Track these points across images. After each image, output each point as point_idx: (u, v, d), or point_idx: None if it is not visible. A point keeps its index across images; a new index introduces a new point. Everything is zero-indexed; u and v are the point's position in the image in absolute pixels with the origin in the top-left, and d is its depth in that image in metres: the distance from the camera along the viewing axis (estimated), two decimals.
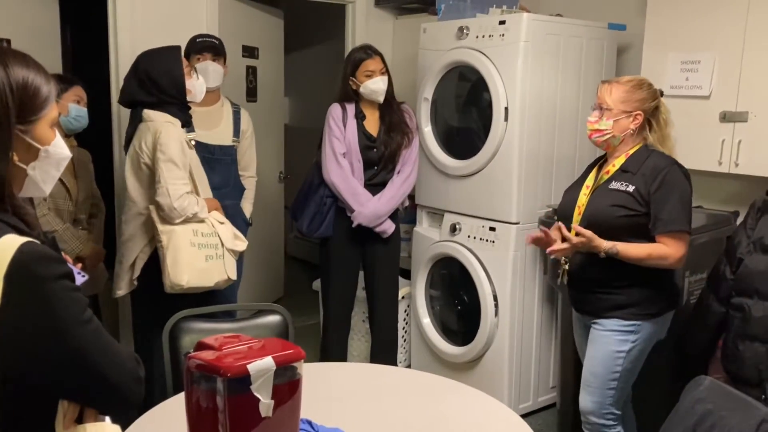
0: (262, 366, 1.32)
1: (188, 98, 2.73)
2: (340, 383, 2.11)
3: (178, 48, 2.77)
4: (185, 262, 2.62)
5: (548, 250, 2.41)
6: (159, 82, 2.67)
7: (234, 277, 2.77)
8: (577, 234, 2.32)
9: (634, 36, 3.39)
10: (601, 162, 2.52)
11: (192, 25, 3.64)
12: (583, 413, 2.46)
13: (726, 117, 2.89)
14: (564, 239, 2.36)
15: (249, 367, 1.31)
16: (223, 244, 2.71)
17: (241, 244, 2.82)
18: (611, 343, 2.37)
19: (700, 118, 2.95)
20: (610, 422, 2.43)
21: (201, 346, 1.43)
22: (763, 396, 2.30)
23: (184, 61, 2.76)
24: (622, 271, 2.32)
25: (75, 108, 2.86)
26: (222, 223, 2.78)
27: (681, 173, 2.33)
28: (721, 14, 2.87)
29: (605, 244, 2.28)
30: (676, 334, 2.67)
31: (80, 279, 1.87)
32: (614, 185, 2.36)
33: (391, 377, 2.23)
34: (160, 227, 2.63)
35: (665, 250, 2.27)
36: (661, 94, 2.42)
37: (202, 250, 2.65)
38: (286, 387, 1.38)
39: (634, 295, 2.36)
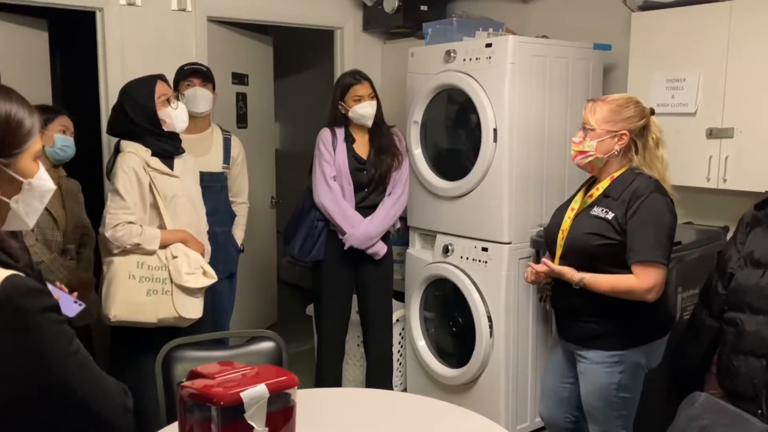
0: (256, 393, 1.32)
1: (165, 128, 2.72)
2: (335, 409, 2.10)
3: (153, 78, 2.76)
4: (118, 295, 2.57)
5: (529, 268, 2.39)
6: (129, 112, 2.70)
7: (189, 315, 2.65)
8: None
9: (619, 55, 3.43)
10: (589, 183, 2.46)
11: (181, 53, 3.67)
12: None
13: (712, 133, 2.91)
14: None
15: (242, 395, 1.30)
16: (172, 280, 2.62)
17: (202, 279, 2.67)
18: (600, 376, 2.32)
19: (687, 135, 2.98)
20: None
21: (194, 375, 1.43)
22: (760, 411, 2.30)
23: (162, 90, 2.73)
24: (599, 299, 2.25)
25: (61, 138, 2.86)
26: (176, 257, 2.65)
27: (662, 200, 2.23)
28: (703, 33, 2.92)
29: (575, 277, 2.25)
30: (670, 351, 2.68)
31: (77, 308, 1.86)
32: (595, 211, 2.29)
33: (387, 402, 2.22)
34: (104, 257, 2.65)
35: (632, 282, 2.18)
36: (652, 112, 2.35)
37: (143, 283, 2.59)
38: (280, 414, 1.38)
39: (614, 324, 2.29)
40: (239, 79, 4.38)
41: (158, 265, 2.62)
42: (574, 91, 3.33)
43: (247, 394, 1.30)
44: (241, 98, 4.46)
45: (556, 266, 2.30)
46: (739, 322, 2.37)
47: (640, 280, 2.18)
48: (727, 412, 1.74)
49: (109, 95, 3.54)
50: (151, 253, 2.62)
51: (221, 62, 3.78)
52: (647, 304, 2.25)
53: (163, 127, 2.72)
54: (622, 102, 2.30)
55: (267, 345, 2.35)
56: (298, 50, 5.61)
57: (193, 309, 2.65)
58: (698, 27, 2.93)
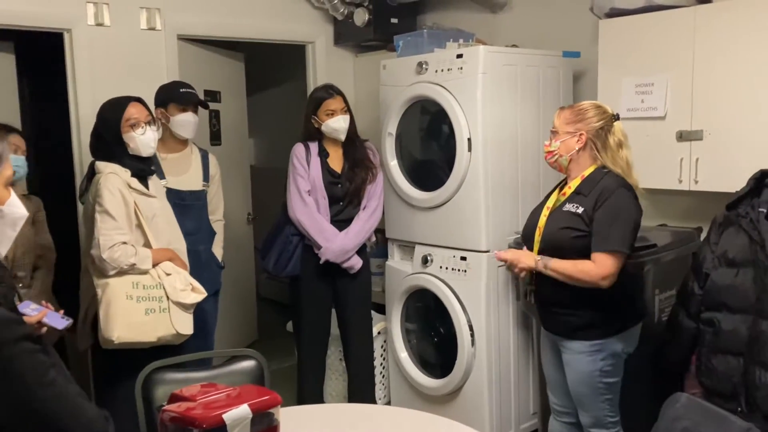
0: (238, 415, 1.30)
1: (129, 151, 2.69)
2: (319, 427, 2.08)
3: (125, 100, 2.74)
4: (118, 316, 2.54)
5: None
6: (102, 133, 2.70)
7: (185, 331, 2.65)
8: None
9: (588, 62, 3.47)
10: (562, 183, 2.62)
11: (153, 72, 3.65)
12: (586, 427, 2.56)
13: (682, 136, 2.96)
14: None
15: (225, 416, 1.29)
16: (168, 297, 2.61)
17: (193, 295, 2.68)
18: (584, 364, 2.46)
19: (658, 138, 3.02)
20: (612, 429, 2.53)
21: (174, 398, 1.41)
22: (739, 408, 2.33)
23: (132, 114, 2.69)
24: (580, 292, 2.39)
25: (12, 158, 2.82)
26: (169, 274, 2.65)
27: (627, 196, 2.39)
28: (669, 38, 2.96)
29: (539, 264, 2.41)
30: (651, 352, 2.70)
31: (65, 322, 1.83)
32: (567, 207, 2.47)
33: (371, 416, 2.21)
34: (96, 280, 2.60)
35: (589, 267, 2.34)
36: (617, 118, 2.50)
37: (141, 303, 2.57)
38: None
39: (593, 316, 2.43)
40: (212, 96, 4.36)
41: (152, 284, 2.60)
42: (546, 99, 3.36)
43: (230, 415, 1.29)
44: (215, 115, 4.44)
45: (524, 259, 2.46)
46: (716, 322, 2.40)
47: (598, 266, 2.33)
48: (709, 413, 1.75)
49: (79, 117, 3.50)
50: (145, 272, 2.60)
51: (193, 80, 3.74)
52: (620, 295, 2.42)
53: (128, 151, 2.69)
54: (584, 107, 2.51)
55: (248, 364, 2.33)
56: (270, 66, 5.61)
57: (188, 325, 2.67)
58: (664, 33, 2.98)
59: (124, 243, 2.57)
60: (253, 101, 5.26)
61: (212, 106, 4.38)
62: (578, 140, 2.46)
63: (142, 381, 2.20)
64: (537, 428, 3.39)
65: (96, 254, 2.56)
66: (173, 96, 3.18)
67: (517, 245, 3.08)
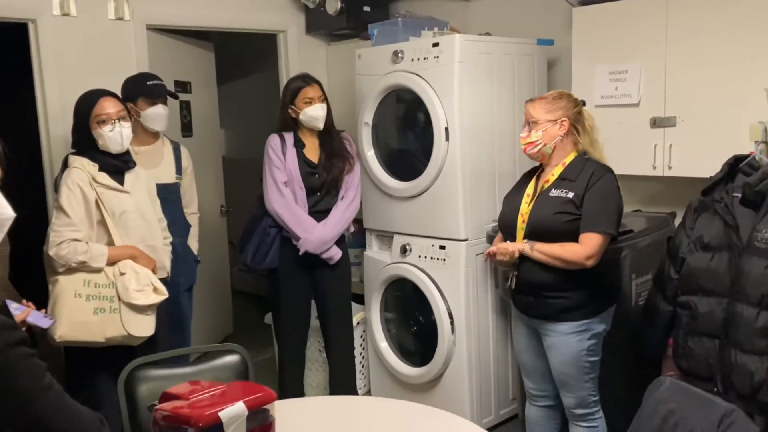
0: (234, 412, 1.29)
1: (99, 147, 2.64)
2: (302, 420, 2.07)
3: (97, 95, 2.68)
4: (63, 315, 2.49)
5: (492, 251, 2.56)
6: (73, 128, 2.66)
7: (140, 333, 2.58)
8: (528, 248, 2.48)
9: (562, 50, 3.49)
10: (538, 172, 2.65)
11: (122, 63, 3.57)
12: (569, 408, 2.61)
13: (656, 123, 3.00)
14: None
15: (220, 414, 1.27)
16: (120, 297, 2.55)
17: (152, 296, 2.60)
18: (571, 345, 2.51)
19: (632, 125, 3.06)
20: (594, 408, 2.60)
21: (166, 397, 1.39)
22: (715, 389, 2.38)
23: (103, 109, 2.63)
24: (568, 275, 2.46)
25: None
26: (124, 273, 2.57)
27: (614, 180, 2.50)
28: (642, 26, 3.00)
29: (526, 246, 2.46)
30: (628, 336, 2.75)
31: (48, 321, 1.79)
32: (554, 192, 2.51)
33: (355, 408, 2.21)
34: (49, 276, 2.56)
35: (575, 248, 2.42)
36: (583, 104, 2.59)
37: (90, 302, 2.52)
38: (259, 431, 1.35)
39: (580, 297, 2.50)
40: (182, 86, 4.29)
41: (105, 282, 2.54)
42: (521, 87, 3.38)
43: (226, 413, 1.27)
44: (185, 106, 4.37)
45: (512, 245, 2.51)
46: (693, 305, 2.44)
47: (584, 246, 2.41)
48: (693, 395, 1.79)
49: (47, 110, 3.42)
50: (98, 270, 2.54)
51: (163, 70, 3.68)
52: (602, 276, 2.52)
53: (98, 146, 2.64)
54: (556, 95, 2.58)
55: (232, 358, 2.31)
56: (241, 55, 5.54)
57: (143, 327, 2.58)
58: (637, 20, 3.01)
59: (76, 240, 2.52)
60: (224, 92, 5.18)
61: (183, 97, 4.31)
62: (561, 127, 2.51)
63: (125, 378, 2.16)
64: (517, 413, 3.43)
65: (45, 250, 2.53)
66: (142, 90, 3.11)
67: (494, 233, 3.10)
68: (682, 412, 1.75)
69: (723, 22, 2.77)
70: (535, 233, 2.50)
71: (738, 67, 2.74)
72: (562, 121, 2.51)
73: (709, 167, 2.56)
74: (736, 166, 2.45)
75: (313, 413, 2.16)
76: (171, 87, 4.14)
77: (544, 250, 2.45)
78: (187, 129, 4.39)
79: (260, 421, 1.35)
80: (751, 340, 2.23)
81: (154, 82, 3.18)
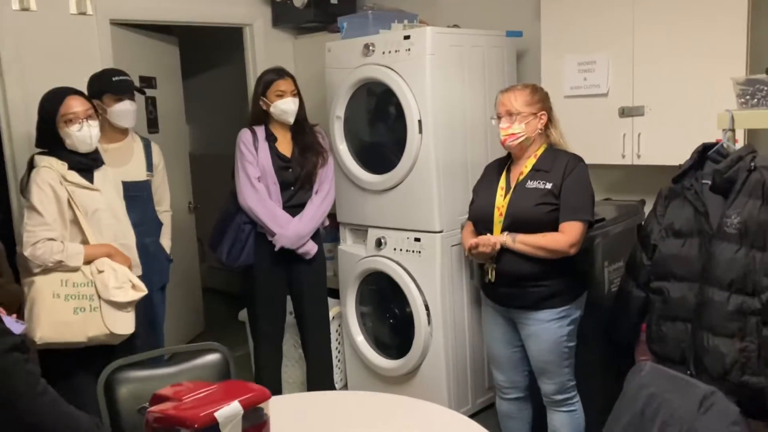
0: (230, 412, 1.28)
1: (67, 146, 2.58)
2: (284, 416, 2.06)
3: (63, 93, 2.62)
4: (42, 316, 2.45)
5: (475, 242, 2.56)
6: (38, 126, 2.60)
7: (122, 331, 2.55)
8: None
9: (530, 41, 3.53)
10: (508, 164, 2.68)
11: (85, 59, 3.50)
12: (548, 395, 2.66)
13: (624, 112, 3.06)
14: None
15: (216, 414, 1.26)
16: (99, 295, 2.52)
17: (132, 293, 2.57)
18: (551, 333, 2.56)
19: (601, 115, 3.11)
20: (572, 393, 2.65)
21: (157, 399, 1.37)
22: (688, 372, 2.44)
23: (70, 108, 2.57)
24: (547, 264, 2.51)
25: None
26: (102, 271, 2.54)
27: (587, 169, 2.57)
28: (609, 16, 3.04)
29: (508, 238, 2.49)
30: (602, 322, 2.80)
31: (20, 326, 1.74)
32: (531, 184, 2.54)
33: (336, 403, 2.21)
34: (23, 278, 2.51)
35: (558, 236, 2.48)
36: None
37: (69, 301, 2.48)
38: (254, 430, 1.34)
39: (558, 285, 2.56)
40: (147, 82, 4.22)
41: (84, 281, 2.49)
42: (491, 79, 3.40)
43: (222, 413, 1.26)
44: (151, 102, 4.30)
45: (493, 237, 2.54)
46: (665, 291, 2.49)
47: (566, 235, 2.47)
48: (673, 379, 1.83)
49: (8, 108, 3.33)
50: (75, 269, 2.49)
51: (127, 66, 3.61)
52: (576, 264, 2.58)
53: (65, 146, 2.58)
54: (533, 88, 2.64)
55: (213, 357, 2.28)
56: (206, 49, 5.46)
57: (124, 324, 2.55)
58: (604, 11, 3.06)
59: (51, 239, 2.47)
60: (189, 87, 5.11)
61: (148, 92, 4.24)
62: (540, 120, 2.57)
63: (104, 380, 2.12)
64: (493, 401, 3.46)
65: (20, 251, 2.48)
66: (107, 86, 3.05)
67: None
68: (663, 396, 1.79)
69: (689, 12, 2.83)
70: (515, 225, 2.53)
71: (704, 57, 2.80)
72: (541, 114, 2.57)
73: (677, 155, 2.60)
74: (705, 153, 2.51)
75: (293, 408, 2.15)
76: (136, 83, 4.07)
77: (526, 241, 2.48)
78: (153, 125, 4.32)
79: (255, 420, 1.34)
80: (722, 323, 2.28)
81: (120, 77, 3.12)
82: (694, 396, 1.72)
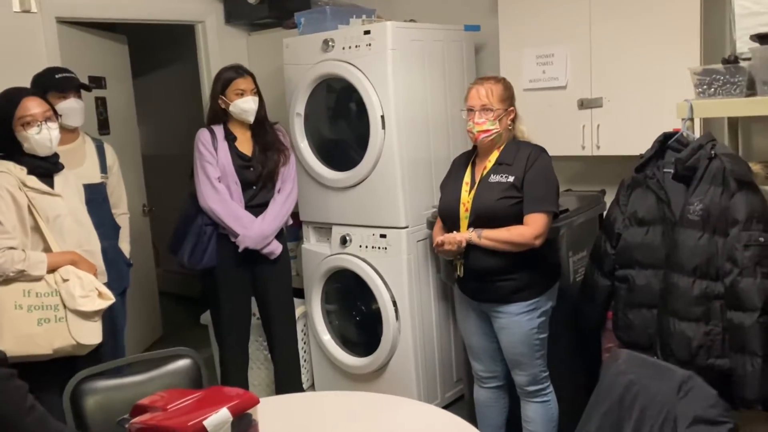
0: (219, 419, 1.24)
1: (25, 149, 2.46)
2: (273, 420, 2.03)
3: (18, 94, 2.50)
4: (4, 328, 2.33)
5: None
6: None
7: (88, 341, 2.45)
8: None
9: (488, 35, 3.54)
10: (473, 158, 2.67)
11: (31, 57, 3.36)
12: (521, 386, 2.66)
13: (583, 104, 3.10)
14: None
15: (206, 422, 1.22)
16: (65, 305, 2.41)
17: (98, 302, 2.47)
18: (523, 325, 2.56)
19: (560, 107, 3.15)
20: (545, 383, 2.67)
21: (139, 409, 1.31)
22: (655, 356, 2.49)
23: (27, 110, 2.45)
24: (515, 257, 2.51)
25: None
26: (67, 279, 2.44)
27: (550, 160, 2.58)
28: (566, 9, 3.08)
29: (473, 235, 2.48)
30: (568, 311, 2.84)
31: None
32: (494, 178, 2.54)
33: (310, 405, 2.18)
34: None
35: (522, 229, 2.48)
36: None
37: (33, 312, 2.37)
38: None
39: (527, 277, 2.56)
40: (97, 82, 4.08)
41: (48, 291, 2.38)
42: (451, 73, 3.41)
43: (211, 421, 1.22)
44: (101, 103, 4.16)
45: (459, 235, 2.52)
46: (630, 278, 2.53)
47: (531, 227, 2.47)
48: (649, 365, 1.86)
49: None
50: (38, 279, 2.38)
51: (76, 65, 3.49)
52: (546, 256, 2.59)
53: (23, 149, 2.47)
54: (504, 82, 2.62)
55: (184, 363, 2.22)
56: (156, 48, 5.33)
57: (91, 334, 2.45)
58: (561, 4, 3.09)
59: (11, 248, 2.36)
60: (139, 87, 4.97)
61: (98, 92, 4.12)
62: (509, 116, 2.57)
63: (71, 391, 2.04)
64: (463, 394, 3.48)
65: None
66: (50, 84, 2.94)
67: (434, 219, 3.12)
68: (641, 382, 1.81)
69: (644, 5, 2.88)
70: (480, 220, 2.52)
71: (659, 48, 2.87)
72: (510, 110, 2.58)
73: (636, 145, 2.66)
74: (665, 143, 2.56)
75: (281, 411, 2.11)
76: (85, 83, 3.94)
77: (491, 237, 2.48)
78: (104, 126, 4.19)
79: (244, 426, 1.30)
80: (687, 308, 2.32)
81: (64, 74, 3.01)
82: (672, 381, 1.75)
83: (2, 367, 0.97)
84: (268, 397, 2.81)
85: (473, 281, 2.60)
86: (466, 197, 2.58)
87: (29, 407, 0.98)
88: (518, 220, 2.51)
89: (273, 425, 1.93)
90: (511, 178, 2.51)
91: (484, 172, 2.58)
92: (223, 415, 1.24)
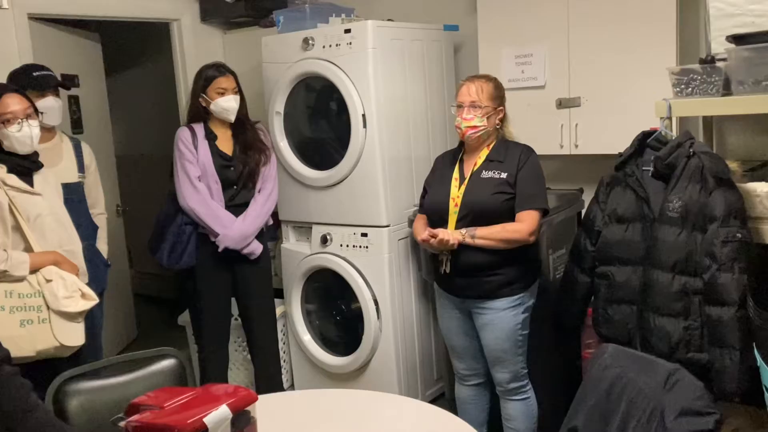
0: (219, 416, 1.23)
1: (4, 148, 2.42)
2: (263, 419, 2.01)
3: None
4: None
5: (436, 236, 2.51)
6: None
7: (72, 342, 2.42)
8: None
9: (467, 35, 3.57)
10: (460, 156, 2.68)
11: (4, 56, 3.31)
12: (502, 384, 2.68)
13: (561, 104, 3.14)
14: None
15: (206, 420, 1.21)
16: (48, 306, 2.38)
17: (82, 302, 2.44)
18: (507, 320, 2.59)
19: (539, 106, 3.18)
20: (525, 381, 2.69)
21: (134, 408, 1.30)
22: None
23: (7, 107, 2.41)
24: (503, 253, 2.54)
25: None
26: (50, 280, 2.40)
27: (538, 159, 2.63)
28: (545, 9, 3.11)
29: (465, 235, 2.48)
30: (548, 308, 2.87)
31: None
32: (486, 174, 2.57)
33: (293, 404, 2.17)
34: None
35: (517, 226, 2.52)
36: None
37: (15, 314, 2.33)
38: None
39: (513, 273, 2.59)
40: (70, 80, 4.01)
41: (30, 292, 2.34)
42: (431, 72, 3.43)
43: (211, 418, 1.21)
44: (74, 101, 4.09)
45: (450, 237, 2.49)
46: (610, 275, 2.57)
47: (525, 223, 2.51)
48: (635, 358, 1.89)
49: None
50: (20, 279, 2.33)
51: (49, 63, 3.42)
52: (530, 252, 2.62)
53: (3, 147, 2.42)
54: (496, 81, 2.67)
55: (168, 363, 2.20)
56: (130, 46, 5.25)
57: (75, 336, 2.41)
58: (539, 4, 3.12)
59: None
60: (113, 85, 4.90)
61: (71, 91, 4.05)
62: (498, 114, 2.61)
63: (54, 393, 2.00)
64: (444, 392, 3.50)
65: None
66: (28, 82, 2.88)
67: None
68: (628, 376, 1.84)
69: (621, 5, 2.93)
70: (471, 215, 2.54)
71: (636, 48, 2.91)
72: (499, 109, 2.62)
73: (613, 144, 2.70)
74: (644, 141, 2.61)
75: (285, 410, 2.10)
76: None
77: (486, 236, 2.49)
78: (77, 125, 4.13)
79: (243, 423, 1.29)
80: (667, 303, 2.37)
81: (42, 72, 2.96)
82: (658, 374, 1.78)
83: (5, 365, 0.95)
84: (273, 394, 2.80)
85: (460, 277, 2.60)
86: (456, 192, 2.60)
87: (33, 406, 0.96)
88: (508, 217, 2.54)
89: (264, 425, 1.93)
90: (504, 175, 2.55)
91: (475, 168, 2.61)
92: (223, 412, 1.23)
